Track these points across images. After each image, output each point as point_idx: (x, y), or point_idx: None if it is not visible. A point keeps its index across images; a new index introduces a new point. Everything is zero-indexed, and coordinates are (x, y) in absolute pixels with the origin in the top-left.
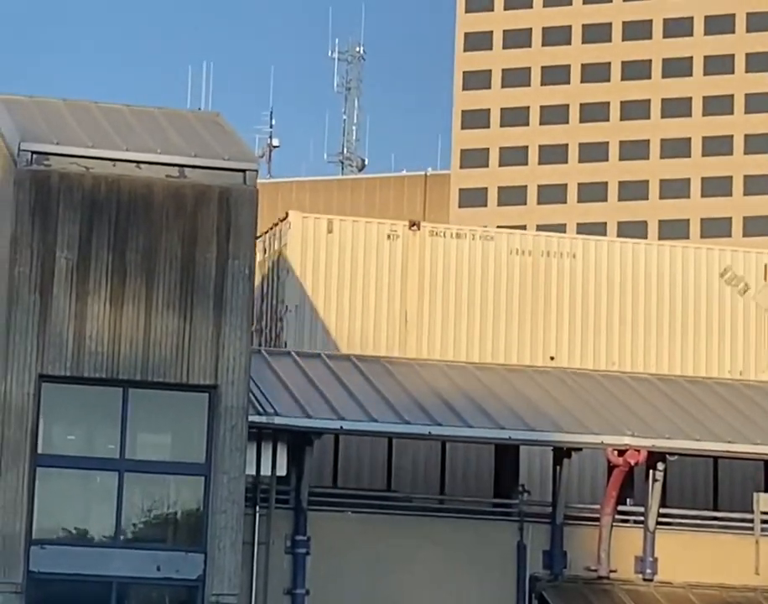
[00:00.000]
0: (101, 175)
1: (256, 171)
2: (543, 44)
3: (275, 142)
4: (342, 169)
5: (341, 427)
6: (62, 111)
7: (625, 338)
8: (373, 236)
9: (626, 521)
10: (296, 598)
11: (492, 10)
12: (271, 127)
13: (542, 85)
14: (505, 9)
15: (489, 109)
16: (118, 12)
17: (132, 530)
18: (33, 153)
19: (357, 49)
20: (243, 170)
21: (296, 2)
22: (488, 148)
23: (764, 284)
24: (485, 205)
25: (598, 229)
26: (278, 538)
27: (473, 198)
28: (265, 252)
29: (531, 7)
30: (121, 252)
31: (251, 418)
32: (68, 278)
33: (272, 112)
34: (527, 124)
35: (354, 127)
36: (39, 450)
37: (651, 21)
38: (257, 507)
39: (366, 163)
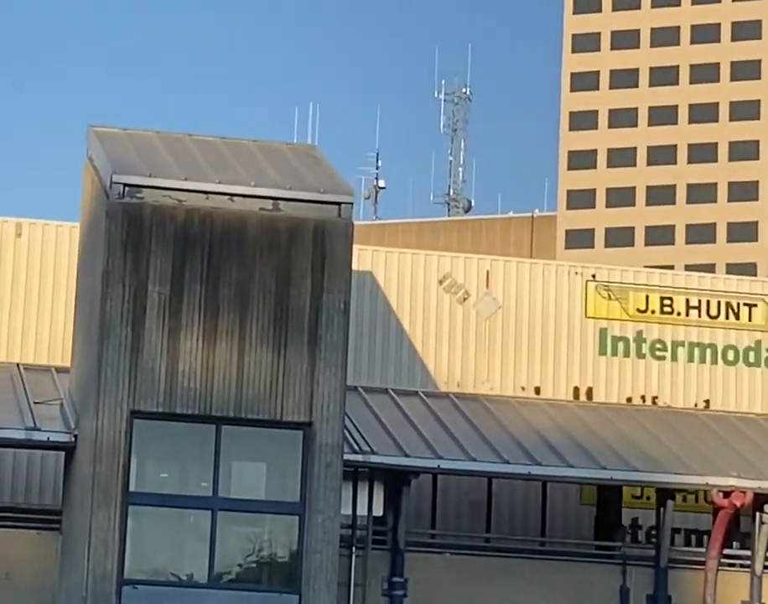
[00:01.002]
0: (193, 208)
1: (352, 204)
2: (651, 85)
3: (381, 183)
4: (448, 210)
5: (439, 466)
6: (155, 144)
7: None
8: None
9: (732, 565)
10: None
11: (599, 50)
12: (377, 168)
13: (649, 125)
14: (611, 49)
15: (595, 149)
16: (227, 51)
17: (226, 570)
18: (125, 185)
19: (463, 90)
20: (338, 203)
21: (402, 43)
22: (595, 189)
23: (485, 292)
24: (592, 246)
25: (707, 269)
26: (375, 580)
27: (579, 239)
28: None
29: (638, 47)
30: (213, 287)
31: (346, 456)
32: (160, 312)
33: (378, 154)
34: (634, 164)
35: (460, 169)
36: (131, 488)
37: (760, 21)
38: (354, 548)
39: (473, 204)
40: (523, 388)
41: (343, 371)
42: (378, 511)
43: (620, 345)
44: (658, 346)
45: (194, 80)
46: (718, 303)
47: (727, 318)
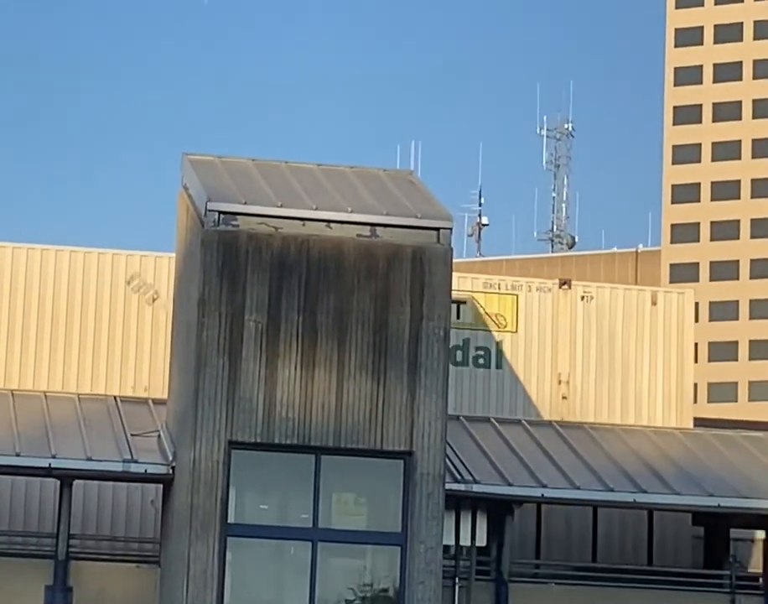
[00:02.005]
0: (290, 235)
1: (450, 229)
2: (754, 117)
3: (484, 220)
4: (552, 246)
5: (543, 495)
6: (250, 171)
7: None
8: None
9: None
10: None
11: (701, 83)
12: (480, 205)
13: (752, 157)
14: (714, 81)
15: (699, 182)
16: (328, 85)
17: (327, 602)
18: (220, 213)
19: (566, 125)
20: (437, 229)
21: (504, 80)
22: (699, 223)
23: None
24: (697, 280)
25: None
26: None
27: (684, 273)
28: None
29: (741, 79)
30: (311, 315)
31: (449, 486)
32: (257, 341)
33: (480, 191)
34: (738, 197)
35: (563, 205)
36: (230, 519)
37: None
38: (457, 579)
39: (576, 240)
40: None
41: (444, 399)
42: (482, 541)
43: None
44: None
45: (293, 115)
46: None
47: None
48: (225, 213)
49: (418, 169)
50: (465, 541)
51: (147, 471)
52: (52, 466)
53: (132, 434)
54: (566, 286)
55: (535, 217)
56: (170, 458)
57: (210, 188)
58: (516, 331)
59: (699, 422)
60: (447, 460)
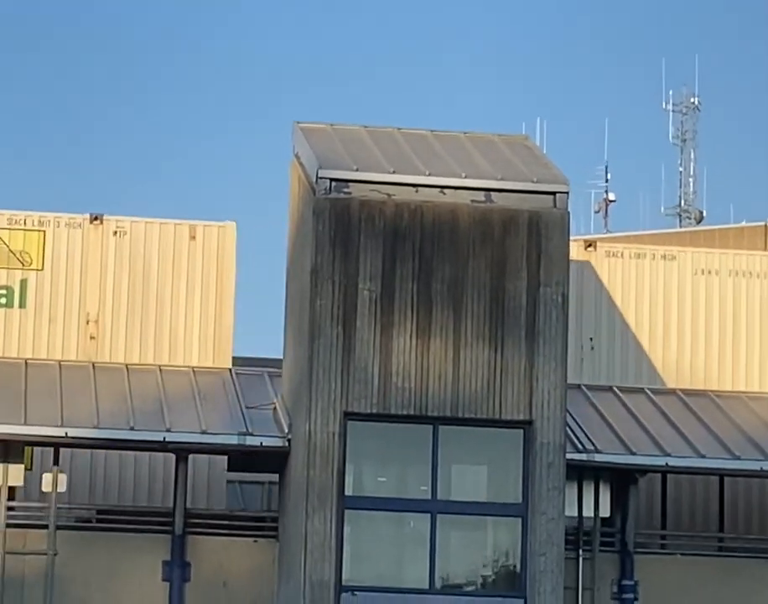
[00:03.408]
0: (403, 202)
1: (567, 193)
2: None
3: (611, 196)
4: (679, 221)
5: (667, 464)
6: (362, 138)
7: None
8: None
9: None
10: None
11: None
12: (606, 181)
13: None
14: None
15: None
16: (451, 61)
17: (447, 575)
18: (332, 180)
19: (692, 99)
20: (553, 193)
21: (628, 55)
22: None
23: None
24: None
25: None
26: (604, 584)
27: None
28: None
29: None
30: (426, 283)
31: (570, 455)
32: (371, 310)
33: (606, 167)
34: None
35: (690, 179)
36: (347, 492)
37: None
38: (580, 551)
39: (705, 214)
40: None
41: (563, 367)
42: (605, 511)
43: None
44: None
45: (411, 89)
46: None
47: None
48: (336, 180)
49: (544, 145)
50: (588, 512)
51: (262, 443)
52: (167, 439)
53: (247, 407)
54: (97, 221)
55: (662, 192)
56: (286, 430)
57: (321, 155)
58: (42, 269)
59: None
60: (568, 429)
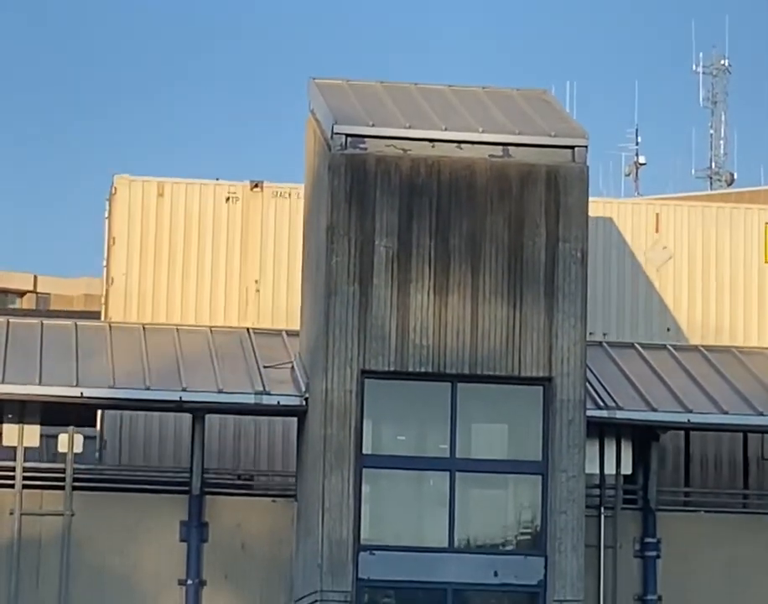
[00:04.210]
0: (419, 157)
1: (586, 147)
2: None
3: (641, 159)
4: (711, 184)
5: (689, 420)
6: (379, 94)
7: None
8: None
9: None
10: None
11: None
12: (636, 144)
13: None
14: None
15: None
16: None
17: (467, 534)
18: (347, 135)
19: (722, 62)
20: (572, 147)
21: (658, 17)
22: None
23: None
24: None
25: None
26: (626, 542)
27: None
28: None
29: None
30: (443, 239)
31: (590, 412)
32: (388, 267)
33: (636, 130)
34: None
35: (721, 142)
36: (365, 450)
37: None
38: (602, 509)
39: (735, 177)
40: None
41: (583, 323)
42: (627, 469)
43: None
44: None
45: (433, 50)
46: None
47: None
48: (352, 136)
49: (574, 108)
50: (610, 469)
51: (279, 402)
52: (183, 399)
53: (264, 366)
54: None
55: (693, 155)
56: (303, 389)
57: (337, 111)
58: None
59: None
60: (588, 386)
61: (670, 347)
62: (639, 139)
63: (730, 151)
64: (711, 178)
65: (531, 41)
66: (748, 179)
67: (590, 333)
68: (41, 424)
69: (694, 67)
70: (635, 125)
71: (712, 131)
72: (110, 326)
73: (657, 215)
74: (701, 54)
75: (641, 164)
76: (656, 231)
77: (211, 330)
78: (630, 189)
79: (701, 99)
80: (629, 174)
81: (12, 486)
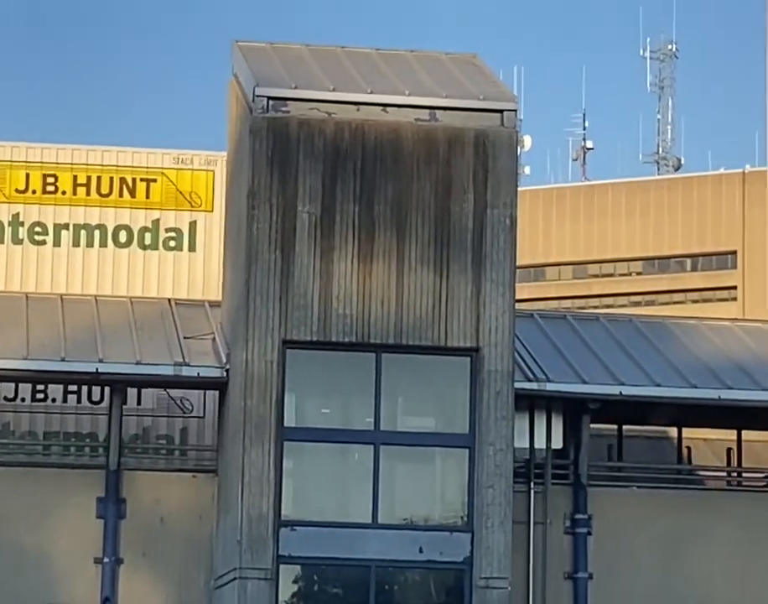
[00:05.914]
0: (344, 121)
1: (515, 111)
2: None
3: (589, 144)
4: (658, 169)
5: (621, 393)
6: (304, 57)
7: None
8: None
9: None
10: (578, 582)
11: None
12: (584, 129)
13: None
14: None
15: None
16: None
17: (391, 509)
18: (269, 98)
19: (669, 47)
20: (500, 111)
21: (606, 1)
22: None
23: None
24: None
25: None
26: (556, 518)
27: None
28: None
29: None
30: (368, 205)
31: (519, 384)
32: (311, 234)
33: (584, 114)
34: None
35: (668, 127)
36: (286, 423)
37: None
38: (532, 484)
39: (683, 162)
40: None
41: (511, 292)
42: (557, 443)
43: None
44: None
45: (382, 31)
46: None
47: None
48: (274, 98)
49: (521, 93)
50: (540, 443)
51: (199, 374)
52: (99, 370)
53: (185, 337)
54: None
55: (640, 140)
56: (224, 360)
57: (258, 73)
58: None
59: None
60: (518, 357)
61: (602, 319)
62: (586, 124)
63: (678, 136)
64: (658, 163)
65: (478, 26)
66: (695, 164)
67: None
68: None
69: (642, 52)
70: (583, 110)
71: (659, 116)
72: (26, 296)
73: None
74: (648, 39)
75: (589, 149)
76: None
77: (131, 301)
78: (578, 173)
79: (648, 84)
80: (576, 159)
81: None
